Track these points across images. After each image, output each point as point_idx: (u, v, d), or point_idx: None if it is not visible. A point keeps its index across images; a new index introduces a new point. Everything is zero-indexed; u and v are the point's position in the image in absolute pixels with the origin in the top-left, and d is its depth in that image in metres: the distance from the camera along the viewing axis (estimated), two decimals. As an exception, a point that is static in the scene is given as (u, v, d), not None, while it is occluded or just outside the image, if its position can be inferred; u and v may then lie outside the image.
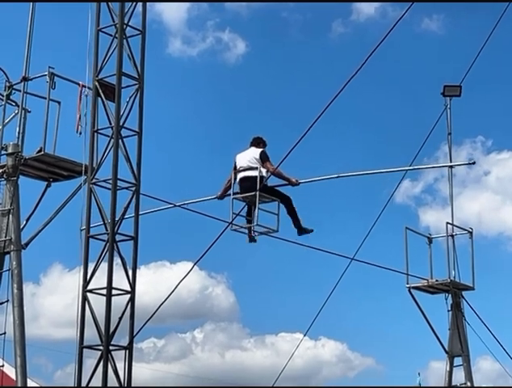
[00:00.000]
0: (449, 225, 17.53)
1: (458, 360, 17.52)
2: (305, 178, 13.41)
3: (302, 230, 13.35)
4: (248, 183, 13.16)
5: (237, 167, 13.39)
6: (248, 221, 13.30)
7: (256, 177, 13.09)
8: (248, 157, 13.38)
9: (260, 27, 36.40)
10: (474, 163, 13.51)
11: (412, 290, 17.29)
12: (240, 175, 13.34)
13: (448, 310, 17.50)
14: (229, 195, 13.47)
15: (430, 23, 34.90)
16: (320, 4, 34.51)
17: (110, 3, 11.97)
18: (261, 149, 13.40)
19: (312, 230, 13.40)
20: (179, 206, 13.91)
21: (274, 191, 13.28)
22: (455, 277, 17.32)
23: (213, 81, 35.23)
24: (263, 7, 34.82)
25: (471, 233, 17.82)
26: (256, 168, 13.12)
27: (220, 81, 35.45)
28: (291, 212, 13.31)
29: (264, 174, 13.14)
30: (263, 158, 13.23)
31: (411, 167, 14.31)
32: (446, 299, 17.48)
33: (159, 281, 30.39)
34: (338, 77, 30.49)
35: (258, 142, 13.57)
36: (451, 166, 13.79)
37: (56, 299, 31.51)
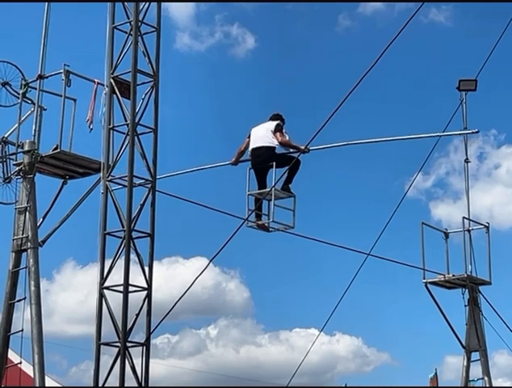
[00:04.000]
0: (465, 220, 17.47)
1: (475, 355, 17.46)
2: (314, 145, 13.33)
3: (287, 188, 13.31)
4: (258, 152, 13.35)
5: (251, 137, 13.59)
6: (257, 216, 13.32)
7: (266, 147, 13.26)
8: (263, 128, 13.58)
9: (266, 21, 36.32)
10: None
11: (428, 285, 17.24)
12: (252, 146, 13.52)
13: (465, 305, 17.44)
14: (243, 161, 13.76)
15: (438, 14, 34.64)
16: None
17: (126, 3, 11.98)
18: (277, 122, 13.55)
19: (293, 195, 13.32)
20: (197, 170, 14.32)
21: (284, 158, 13.35)
22: (471, 272, 17.25)
23: (223, 75, 35.18)
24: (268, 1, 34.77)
25: (487, 227, 17.75)
26: (268, 140, 13.29)
27: (230, 75, 35.40)
28: (292, 172, 13.28)
29: (275, 144, 13.31)
30: (276, 129, 13.40)
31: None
32: (462, 294, 17.42)
33: (172, 277, 30.48)
34: (347, 71, 30.58)
35: (276, 117, 13.73)
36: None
37: (69, 296, 31.62)
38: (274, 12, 35.91)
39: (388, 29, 32.92)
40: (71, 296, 31.45)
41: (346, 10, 36.31)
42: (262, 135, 13.46)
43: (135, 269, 11.41)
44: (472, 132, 13.79)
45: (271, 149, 13.35)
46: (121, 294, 11.21)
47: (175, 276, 30.78)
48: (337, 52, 35.53)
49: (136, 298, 11.40)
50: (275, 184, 13.03)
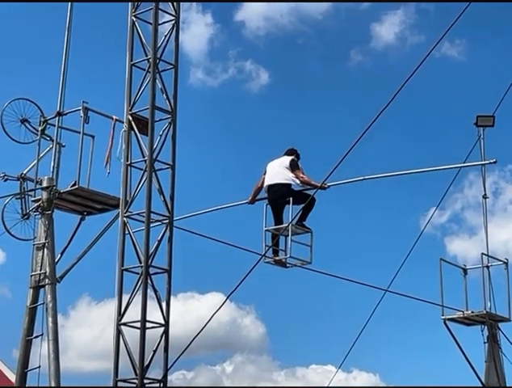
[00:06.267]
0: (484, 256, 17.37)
1: (494, 393, 17.26)
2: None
3: (302, 225, 13.28)
4: (275, 188, 13.34)
5: (266, 173, 13.59)
6: (274, 251, 13.29)
7: (282, 184, 13.24)
8: (278, 163, 13.57)
9: (279, 56, 36.47)
10: None
11: (447, 322, 17.09)
12: (267, 183, 13.51)
13: (484, 342, 17.27)
14: (259, 200, 13.72)
15: (451, 48, 34.56)
16: (337, 31, 34.77)
17: (143, 38, 12.11)
18: (291, 157, 13.53)
19: (310, 230, 13.26)
20: (213, 210, 14.33)
21: (301, 195, 13.33)
22: (490, 308, 17.11)
23: (237, 111, 35.24)
24: (280, 36, 35.04)
25: (506, 264, 17.61)
26: (284, 176, 13.27)
27: (244, 111, 35.45)
28: (307, 209, 13.24)
29: (291, 181, 13.30)
30: (293, 166, 13.39)
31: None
32: (482, 331, 17.26)
33: (188, 312, 30.38)
34: (360, 106, 30.62)
35: (291, 153, 13.73)
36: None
37: (84, 332, 31.53)
38: (287, 47, 36.10)
39: (400, 64, 33.06)
40: (86, 332, 31.40)
41: (358, 45, 36.51)
42: (278, 172, 13.44)
43: (151, 304, 11.40)
44: (490, 163, 13.70)
45: (287, 185, 13.34)
46: (136, 330, 11.18)
47: (191, 312, 30.70)
48: (349, 86, 35.60)
49: (152, 334, 11.36)
50: (292, 220, 13.01)
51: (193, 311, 30.50)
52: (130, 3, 12.36)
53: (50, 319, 12.01)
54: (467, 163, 14.43)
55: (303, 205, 13.13)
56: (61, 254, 12.70)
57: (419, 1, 33.32)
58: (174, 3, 12.38)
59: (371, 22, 35.17)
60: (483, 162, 15.70)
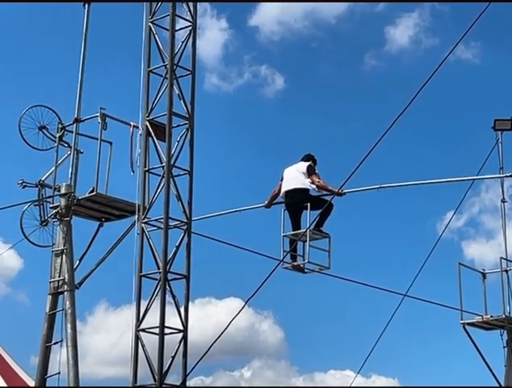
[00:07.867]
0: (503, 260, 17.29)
1: (514, 398, 17.16)
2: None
3: (320, 229, 13.27)
4: (292, 194, 13.36)
5: (283, 179, 13.61)
6: (293, 257, 13.26)
7: (300, 189, 13.27)
8: (295, 169, 13.59)
9: (295, 61, 36.43)
10: None
11: (466, 326, 17.02)
12: (284, 188, 13.51)
13: (504, 347, 17.19)
14: (276, 204, 13.74)
15: (466, 51, 34.34)
16: (351, 35, 34.73)
17: (160, 45, 12.13)
18: (308, 163, 13.51)
19: (328, 235, 13.25)
20: (230, 212, 14.33)
21: (318, 200, 13.32)
22: (510, 313, 17.03)
23: (252, 116, 35.20)
24: (294, 41, 35.05)
25: (525, 268, 17.53)
26: (301, 181, 13.30)
27: (259, 116, 35.41)
28: (325, 215, 13.21)
29: (308, 186, 13.31)
30: (309, 171, 13.40)
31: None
32: (501, 335, 17.18)
33: (205, 318, 30.37)
34: (376, 111, 30.52)
35: (308, 158, 13.73)
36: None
37: (101, 338, 31.57)
38: (301, 52, 36.09)
39: (415, 67, 32.95)
40: (104, 338, 31.45)
41: (373, 49, 36.45)
42: (295, 177, 13.46)
43: (169, 310, 11.42)
44: (507, 176, 13.63)
45: (305, 191, 13.33)
46: (154, 336, 11.20)
47: (208, 317, 30.68)
48: (364, 91, 35.52)
49: (170, 339, 11.37)
50: (310, 226, 12.99)
51: (211, 317, 30.52)
52: (147, 10, 12.37)
53: (69, 325, 12.05)
54: (482, 176, 14.42)
55: (320, 211, 13.10)
56: (80, 260, 12.74)
57: (435, 0, 33.22)
58: (191, 8, 12.39)
59: (385, 25, 35.17)
60: (500, 175, 15.68)
